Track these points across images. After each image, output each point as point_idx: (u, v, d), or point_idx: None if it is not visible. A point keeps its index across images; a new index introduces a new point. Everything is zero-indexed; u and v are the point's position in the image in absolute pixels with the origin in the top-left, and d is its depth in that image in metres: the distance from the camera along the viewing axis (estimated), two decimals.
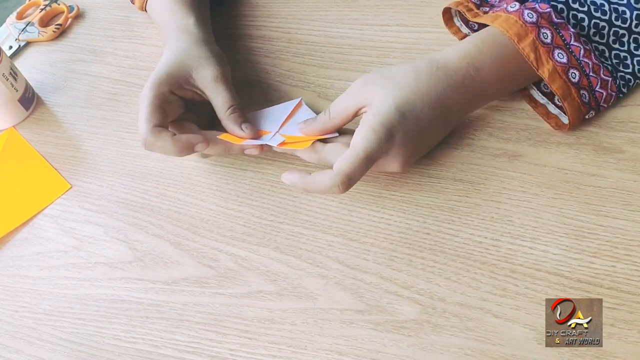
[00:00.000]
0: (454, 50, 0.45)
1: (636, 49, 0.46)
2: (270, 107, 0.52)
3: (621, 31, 0.45)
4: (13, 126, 0.60)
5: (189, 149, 0.46)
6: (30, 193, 0.54)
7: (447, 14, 0.52)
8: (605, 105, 0.46)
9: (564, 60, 0.43)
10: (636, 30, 0.45)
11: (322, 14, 0.61)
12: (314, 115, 0.49)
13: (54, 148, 0.57)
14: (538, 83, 0.48)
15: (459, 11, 0.50)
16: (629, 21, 0.45)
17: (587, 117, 0.45)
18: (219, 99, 0.49)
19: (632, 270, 0.39)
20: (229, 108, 0.48)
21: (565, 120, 0.46)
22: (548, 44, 0.43)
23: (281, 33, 0.60)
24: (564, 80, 0.43)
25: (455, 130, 0.48)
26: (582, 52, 0.44)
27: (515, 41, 0.43)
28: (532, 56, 0.43)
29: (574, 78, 0.44)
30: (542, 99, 0.48)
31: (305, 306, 0.42)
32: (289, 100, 0.53)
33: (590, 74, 0.44)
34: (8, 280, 0.49)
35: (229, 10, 0.64)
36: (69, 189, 0.53)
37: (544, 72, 0.43)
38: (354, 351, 0.40)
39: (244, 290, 0.44)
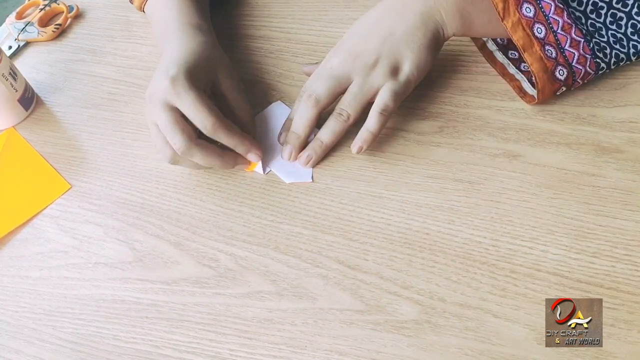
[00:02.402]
0: None
1: (611, 23, 0.46)
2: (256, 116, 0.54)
3: (601, 3, 0.46)
4: (13, 126, 0.60)
5: (231, 165, 0.49)
6: (30, 193, 0.54)
7: None
8: (580, 68, 0.45)
9: (531, 14, 0.44)
10: (616, 5, 0.46)
11: (321, 13, 0.61)
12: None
13: (53, 148, 0.57)
14: (517, 62, 0.50)
15: None
16: None
17: (557, 74, 0.45)
18: (243, 109, 0.51)
19: (632, 270, 0.39)
20: (250, 119, 0.51)
21: (529, 90, 0.48)
22: None
23: (281, 33, 0.60)
24: (527, 33, 0.44)
25: (455, 130, 0.48)
26: (552, 8, 0.44)
27: None
28: (500, 5, 0.44)
29: (540, 33, 0.44)
30: (532, 91, 0.48)
31: (305, 306, 0.42)
32: (286, 100, 0.54)
33: (559, 31, 0.44)
34: (8, 281, 0.49)
35: (229, 10, 0.64)
36: (69, 189, 0.53)
37: (508, 23, 0.44)
38: (354, 351, 0.40)
39: (244, 291, 0.44)
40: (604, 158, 0.44)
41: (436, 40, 0.47)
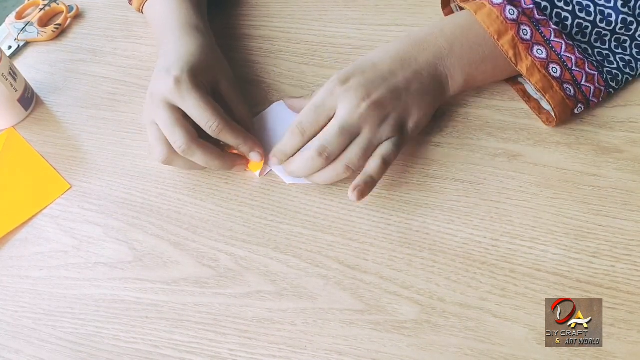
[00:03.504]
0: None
1: (617, 47, 0.46)
2: (256, 117, 0.53)
3: (604, 32, 0.46)
4: (12, 126, 0.60)
5: (229, 167, 0.49)
6: (29, 193, 0.54)
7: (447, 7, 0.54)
8: (596, 100, 0.45)
9: (543, 55, 0.44)
10: (619, 32, 0.46)
11: (321, 13, 0.61)
12: (294, 114, 0.52)
13: (53, 148, 0.57)
14: None
15: None
16: (613, 24, 0.45)
17: (576, 111, 0.45)
18: (241, 109, 0.50)
19: (632, 270, 0.39)
20: (248, 119, 0.51)
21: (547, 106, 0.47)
22: (527, 40, 0.44)
23: (281, 33, 0.60)
24: (544, 75, 0.44)
25: (455, 130, 0.48)
26: (563, 47, 0.44)
27: (495, 39, 0.44)
28: (510, 53, 0.44)
29: (555, 73, 0.44)
30: (535, 94, 0.48)
31: (305, 306, 0.42)
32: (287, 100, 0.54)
33: (574, 68, 0.44)
34: (8, 281, 0.49)
35: (228, 10, 0.64)
36: (69, 189, 0.53)
37: (522, 68, 0.44)
38: (354, 351, 0.40)
39: (244, 290, 0.44)
40: (603, 158, 0.45)
41: (439, 103, 0.48)
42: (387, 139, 0.45)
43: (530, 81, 0.44)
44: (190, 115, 0.46)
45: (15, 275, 0.49)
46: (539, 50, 0.44)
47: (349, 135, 0.44)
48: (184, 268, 0.46)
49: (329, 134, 0.44)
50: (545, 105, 0.47)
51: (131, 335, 0.44)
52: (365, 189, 0.43)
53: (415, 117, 0.46)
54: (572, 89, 0.44)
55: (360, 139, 0.44)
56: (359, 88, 0.44)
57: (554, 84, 0.44)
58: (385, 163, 0.44)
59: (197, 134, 0.47)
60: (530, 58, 0.44)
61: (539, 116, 0.47)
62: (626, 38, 0.46)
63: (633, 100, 0.47)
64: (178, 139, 0.46)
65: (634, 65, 0.46)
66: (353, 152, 0.44)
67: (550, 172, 0.45)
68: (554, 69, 0.44)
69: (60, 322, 0.46)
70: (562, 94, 0.44)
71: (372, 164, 0.44)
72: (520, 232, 0.42)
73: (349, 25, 0.59)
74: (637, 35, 0.46)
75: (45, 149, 0.57)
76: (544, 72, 0.44)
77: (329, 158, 0.44)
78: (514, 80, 0.50)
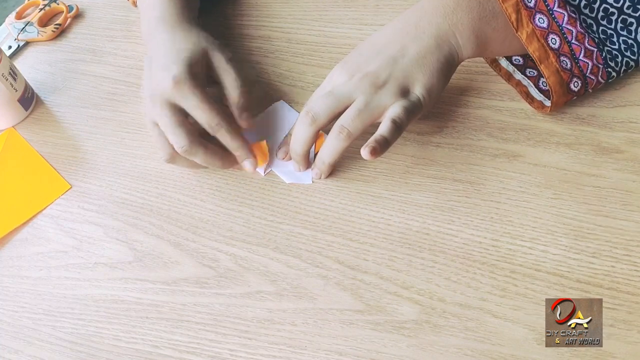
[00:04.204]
0: None
1: (622, 29, 0.46)
2: (257, 117, 0.53)
3: (611, 9, 0.45)
4: (12, 126, 0.60)
5: (230, 166, 0.49)
6: (29, 193, 0.54)
7: None
8: (593, 78, 0.45)
9: (544, 25, 0.43)
10: (627, 11, 0.45)
11: (321, 13, 0.61)
12: (297, 113, 0.52)
13: (53, 148, 0.57)
14: (522, 67, 0.49)
15: None
16: (621, 2, 0.45)
17: (572, 86, 0.45)
18: (231, 78, 0.49)
19: (632, 271, 0.39)
20: (240, 87, 0.49)
21: (537, 95, 0.47)
22: (531, 7, 0.43)
23: (281, 33, 0.60)
24: (542, 44, 0.43)
25: (455, 130, 0.48)
26: (565, 18, 0.44)
27: (500, 0, 0.43)
28: (513, 17, 0.43)
29: (554, 44, 0.44)
30: (538, 96, 0.48)
31: (305, 306, 0.42)
32: (285, 100, 0.54)
33: (573, 41, 0.44)
34: (8, 281, 0.49)
35: (228, 9, 0.64)
36: (69, 189, 0.53)
37: (522, 35, 0.43)
38: (354, 351, 0.40)
39: (244, 291, 0.44)
40: (603, 158, 0.45)
41: (449, 65, 0.45)
42: (391, 105, 0.44)
43: (528, 49, 0.44)
44: (192, 114, 0.47)
45: (15, 275, 0.49)
46: (540, 19, 0.43)
47: (337, 100, 0.44)
48: (184, 268, 0.46)
49: (317, 103, 0.45)
50: (534, 93, 0.48)
51: (131, 335, 0.44)
52: (377, 147, 0.42)
53: (421, 81, 0.44)
54: (568, 62, 0.44)
55: (354, 103, 0.44)
56: (352, 65, 0.45)
57: (551, 55, 0.44)
58: (395, 123, 0.43)
59: (198, 134, 0.47)
60: (531, 26, 0.43)
61: (527, 101, 0.48)
62: (632, 20, 0.45)
63: (633, 101, 0.47)
64: (179, 140, 0.46)
65: (635, 49, 0.45)
66: (347, 112, 0.44)
67: (551, 173, 0.45)
68: (552, 40, 0.44)
69: (60, 322, 0.46)
70: (557, 65, 0.44)
71: (382, 126, 0.43)
72: (520, 233, 0.42)
73: (348, 25, 0.59)
74: None
75: (45, 149, 0.57)
76: (542, 41, 0.43)
77: (316, 121, 0.45)
78: (517, 82, 0.49)
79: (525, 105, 0.49)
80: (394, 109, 0.43)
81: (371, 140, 0.42)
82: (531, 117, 0.48)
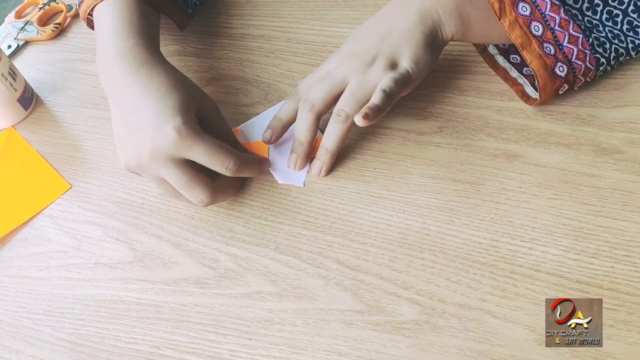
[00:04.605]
0: None
1: (607, 20, 0.46)
2: (257, 117, 0.53)
3: (596, 0, 0.46)
4: (12, 126, 0.60)
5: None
6: (29, 193, 0.54)
7: None
8: (580, 64, 0.45)
9: (527, 13, 0.44)
10: (612, 3, 0.46)
11: (321, 13, 0.61)
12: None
13: (53, 148, 0.57)
14: (519, 67, 0.50)
15: None
16: None
17: (557, 70, 0.45)
18: (227, 128, 0.49)
19: (631, 271, 0.39)
20: (234, 138, 0.50)
21: (532, 94, 0.48)
22: None
23: (281, 32, 0.60)
24: (524, 32, 0.44)
25: (455, 130, 0.48)
26: (548, 5, 0.44)
27: None
28: (496, 5, 0.44)
29: (537, 31, 0.44)
30: (534, 94, 0.48)
31: (305, 307, 0.42)
32: (284, 100, 0.53)
33: (556, 28, 0.44)
34: (8, 281, 0.49)
35: (228, 9, 0.64)
36: (69, 189, 0.53)
37: (505, 22, 0.44)
38: (354, 352, 0.40)
39: (244, 291, 0.44)
40: (603, 158, 0.45)
41: (434, 39, 0.46)
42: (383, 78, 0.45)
43: (511, 37, 0.44)
44: (201, 162, 0.44)
45: (15, 275, 0.49)
46: (523, 7, 0.44)
47: (331, 84, 0.46)
48: (184, 268, 0.46)
49: (312, 90, 0.47)
50: (529, 90, 0.48)
51: (131, 335, 0.44)
52: (369, 113, 0.43)
53: (408, 53, 0.45)
54: (552, 48, 0.44)
55: (348, 86, 0.46)
56: (345, 49, 0.48)
57: (533, 41, 0.44)
58: (385, 92, 0.44)
59: (211, 181, 0.45)
60: (514, 14, 0.44)
61: (516, 92, 0.49)
62: (618, 12, 0.46)
63: (633, 101, 0.47)
64: (198, 196, 0.44)
65: (622, 38, 0.46)
66: (342, 97, 0.46)
67: (550, 173, 0.45)
68: (535, 27, 0.44)
69: (60, 323, 0.46)
70: (540, 51, 0.44)
71: (374, 96, 0.45)
72: (520, 233, 0.42)
73: (348, 25, 0.59)
74: (629, 11, 0.46)
75: (45, 149, 0.57)
76: (525, 29, 0.44)
77: (314, 106, 0.46)
78: (513, 80, 0.50)
79: (525, 105, 0.49)
80: (384, 81, 0.45)
81: (364, 107, 0.44)
82: (531, 117, 0.48)
